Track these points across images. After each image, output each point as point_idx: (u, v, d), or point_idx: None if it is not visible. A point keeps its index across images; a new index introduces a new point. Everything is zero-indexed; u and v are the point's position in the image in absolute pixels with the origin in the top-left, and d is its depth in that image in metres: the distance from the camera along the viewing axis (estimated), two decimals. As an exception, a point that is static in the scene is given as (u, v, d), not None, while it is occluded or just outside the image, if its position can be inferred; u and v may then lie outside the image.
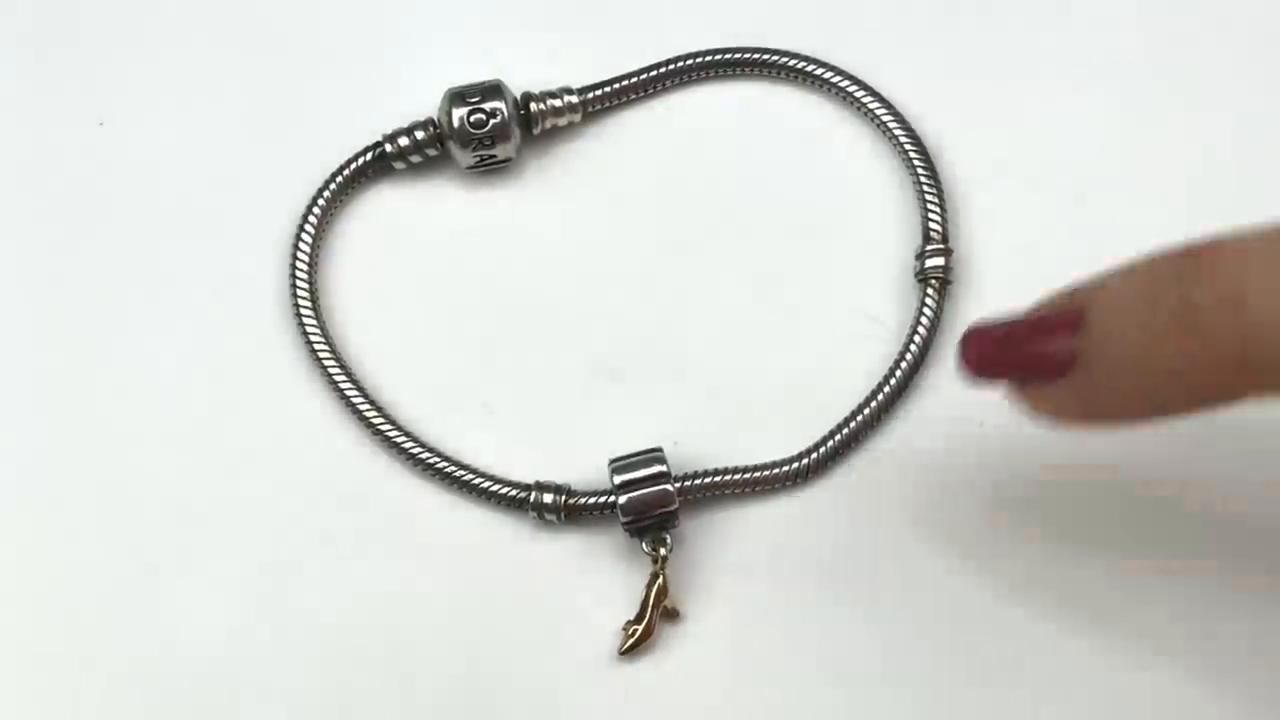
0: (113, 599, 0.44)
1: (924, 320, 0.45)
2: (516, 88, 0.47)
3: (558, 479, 0.44)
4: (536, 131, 0.47)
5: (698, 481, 0.44)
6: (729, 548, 0.44)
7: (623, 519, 0.43)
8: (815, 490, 0.45)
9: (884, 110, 0.47)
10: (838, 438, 0.45)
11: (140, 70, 0.49)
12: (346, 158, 0.47)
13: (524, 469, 0.45)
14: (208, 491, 0.45)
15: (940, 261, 0.46)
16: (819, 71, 0.48)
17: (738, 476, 0.44)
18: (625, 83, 0.48)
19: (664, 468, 0.43)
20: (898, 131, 0.47)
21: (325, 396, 0.46)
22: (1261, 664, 0.43)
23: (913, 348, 0.45)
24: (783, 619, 0.43)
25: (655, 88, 0.48)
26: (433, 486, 0.45)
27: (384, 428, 0.45)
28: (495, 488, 0.44)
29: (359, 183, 0.47)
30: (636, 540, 0.44)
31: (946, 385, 0.45)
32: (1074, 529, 0.44)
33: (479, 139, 0.46)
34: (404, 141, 0.47)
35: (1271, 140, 0.47)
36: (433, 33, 0.49)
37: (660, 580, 0.43)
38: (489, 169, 0.47)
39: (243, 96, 0.49)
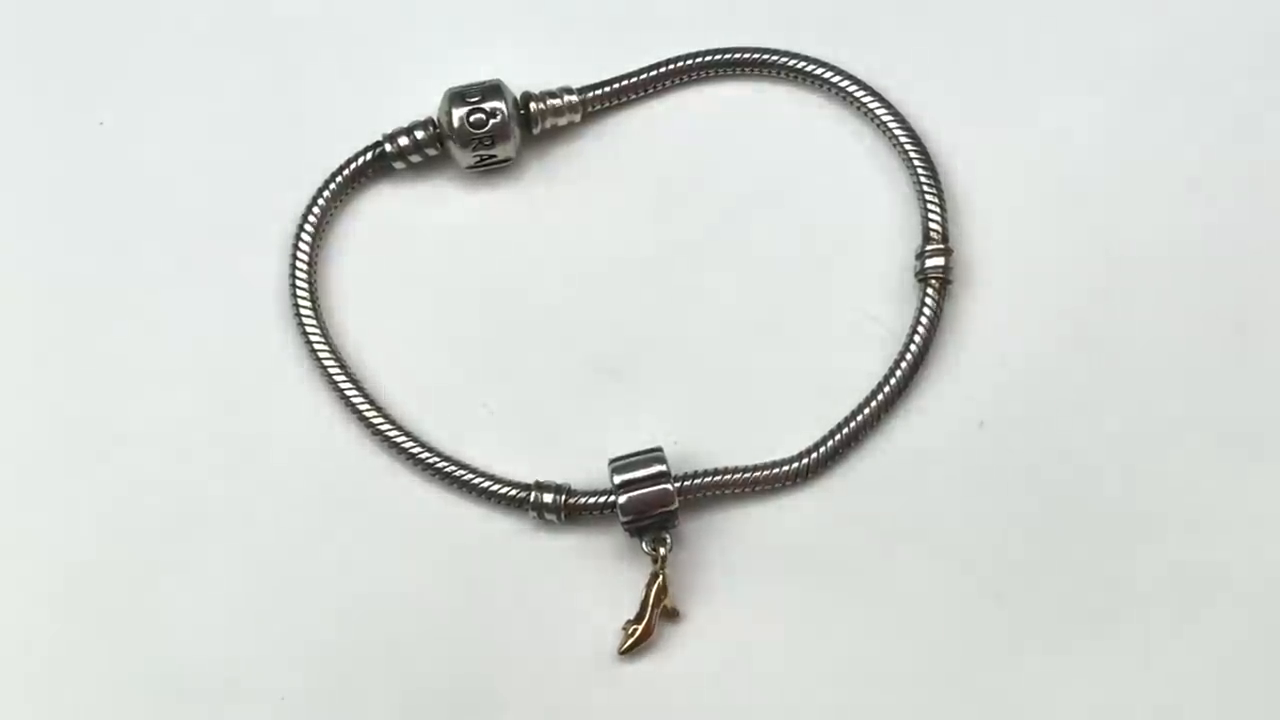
0: (112, 598, 0.44)
1: (924, 320, 0.45)
2: (516, 88, 0.47)
3: (558, 479, 0.44)
4: (536, 131, 0.47)
5: (698, 481, 0.44)
6: (729, 548, 0.44)
7: (622, 519, 0.43)
8: (815, 490, 0.45)
9: (884, 110, 0.47)
10: (838, 438, 0.45)
11: (140, 70, 0.49)
12: (346, 158, 0.47)
13: (524, 469, 0.45)
14: (207, 491, 0.45)
15: (940, 261, 0.46)
16: (819, 71, 0.48)
17: (738, 476, 0.44)
18: (625, 83, 0.48)
19: (664, 467, 0.43)
20: (898, 131, 0.47)
21: (325, 396, 0.46)
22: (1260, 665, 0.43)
23: (913, 348, 0.45)
24: (783, 619, 0.43)
25: (655, 88, 0.48)
26: (433, 486, 0.45)
27: (384, 428, 0.45)
28: (495, 487, 0.44)
29: (359, 183, 0.47)
30: (636, 540, 0.44)
31: (946, 385, 0.45)
32: (1074, 529, 0.44)
33: (479, 139, 0.46)
34: (404, 141, 0.47)
35: (1272, 140, 0.47)
36: (433, 33, 0.49)
37: (660, 580, 0.43)
38: (489, 169, 0.47)
39: (243, 96, 0.49)
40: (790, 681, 0.43)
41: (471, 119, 0.46)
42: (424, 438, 0.45)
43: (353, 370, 0.45)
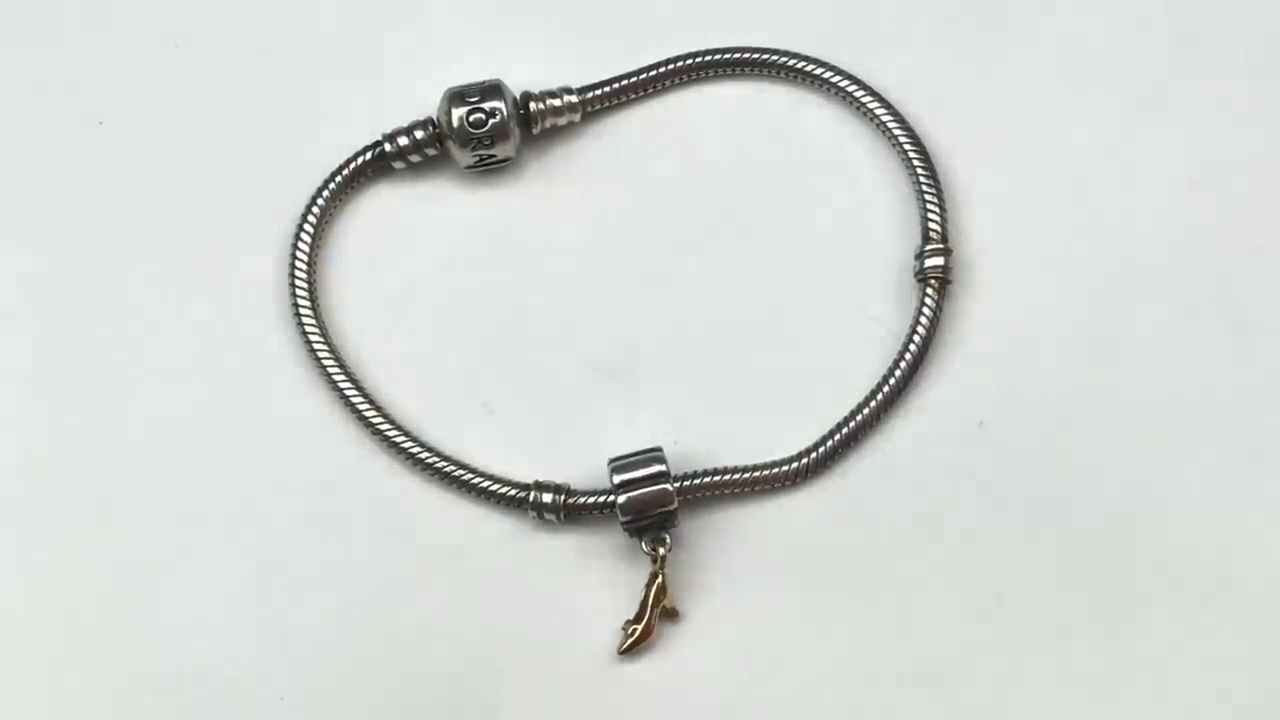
0: (112, 598, 0.44)
1: (924, 320, 0.45)
2: (516, 87, 0.47)
3: (557, 478, 0.44)
4: (536, 131, 0.47)
5: (697, 481, 0.44)
6: (729, 548, 0.44)
7: (622, 518, 0.43)
8: (815, 490, 0.45)
9: (884, 110, 0.47)
10: (838, 438, 0.45)
11: (140, 70, 0.49)
12: (346, 157, 0.47)
13: (524, 469, 0.45)
14: (207, 491, 0.45)
15: (940, 261, 0.46)
16: (819, 71, 0.48)
17: (737, 476, 0.44)
18: (625, 83, 0.48)
19: (663, 467, 0.43)
20: (897, 131, 0.47)
21: (325, 396, 0.45)
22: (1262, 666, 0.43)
23: (912, 348, 0.45)
24: (783, 619, 0.43)
25: (655, 88, 0.48)
26: (433, 486, 0.45)
27: (384, 428, 0.45)
28: (495, 487, 0.44)
29: (358, 182, 0.47)
30: (636, 540, 0.44)
31: (946, 385, 0.45)
32: (1074, 529, 0.44)
33: (478, 138, 0.46)
34: (403, 141, 0.47)
35: (1271, 140, 0.47)
36: (433, 33, 0.49)
37: (660, 580, 0.43)
38: (488, 169, 0.47)
39: (242, 96, 0.49)
40: (790, 681, 0.43)
41: (471, 119, 0.46)
42: (424, 438, 0.45)
43: (352, 370, 0.45)
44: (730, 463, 0.44)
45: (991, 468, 0.44)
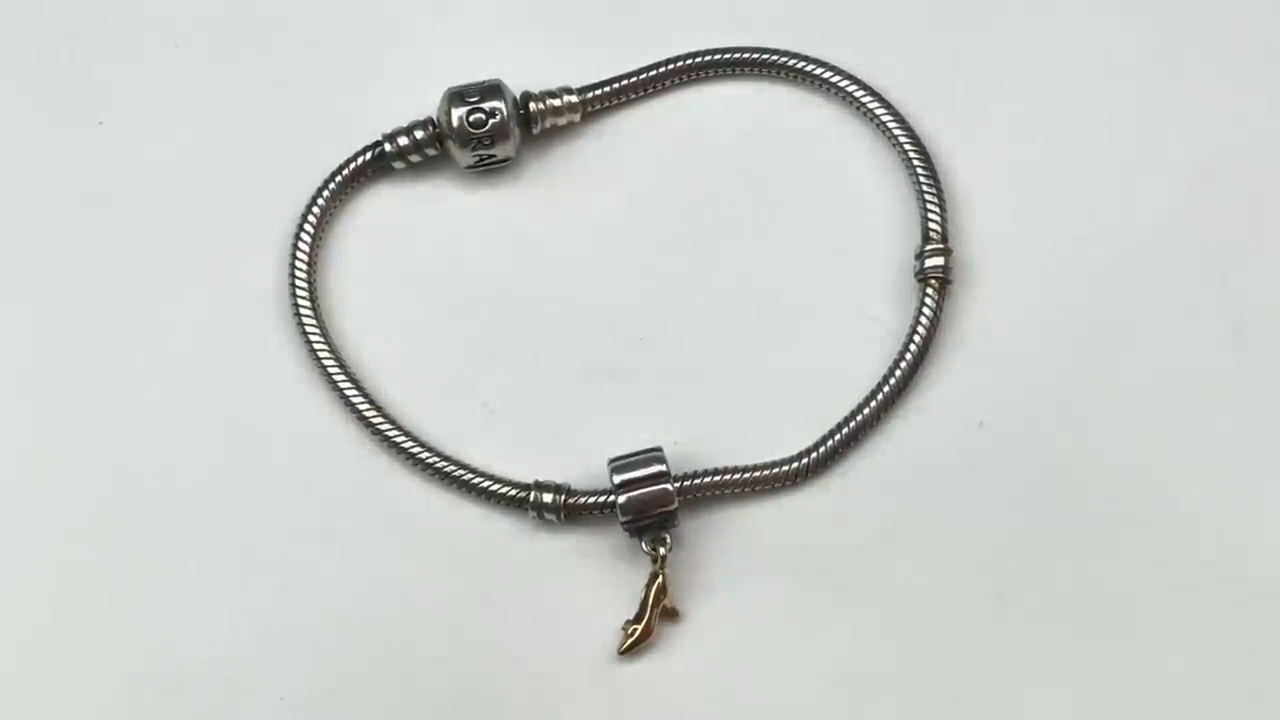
0: (112, 598, 0.44)
1: (924, 320, 0.45)
2: (516, 87, 0.47)
3: (557, 479, 0.44)
4: (536, 131, 0.47)
5: (697, 481, 0.44)
6: (729, 548, 0.44)
7: (622, 518, 0.43)
8: (815, 490, 0.45)
9: (884, 110, 0.47)
10: (838, 438, 0.45)
11: (140, 70, 0.49)
12: (346, 158, 0.47)
13: (524, 469, 0.45)
14: (207, 491, 0.45)
15: (940, 261, 0.46)
16: (819, 71, 0.48)
17: (737, 476, 0.44)
18: (625, 83, 0.48)
19: (663, 467, 0.43)
20: (897, 131, 0.47)
21: (325, 396, 0.45)
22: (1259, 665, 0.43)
23: (913, 348, 0.45)
24: (783, 619, 0.43)
25: (655, 88, 0.48)
26: (433, 486, 0.45)
27: (384, 428, 0.45)
28: (495, 487, 0.44)
29: (358, 182, 0.47)
30: (636, 540, 0.44)
31: (946, 385, 0.45)
32: (1074, 529, 0.44)
33: (478, 138, 0.46)
34: (403, 141, 0.47)
35: (1271, 140, 0.47)
36: (433, 33, 0.49)
37: (660, 580, 0.43)
38: (488, 169, 0.47)
39: (242, 96, 0.49)
40: (790, 681, 0.43)
41: (471, 119, 0.46)
42: (424, 438, 0.45)
43: (352, 370, 0.45)
44: (730, 463, 0.44)
45: (991, 468, 0.44)
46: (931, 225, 0.46)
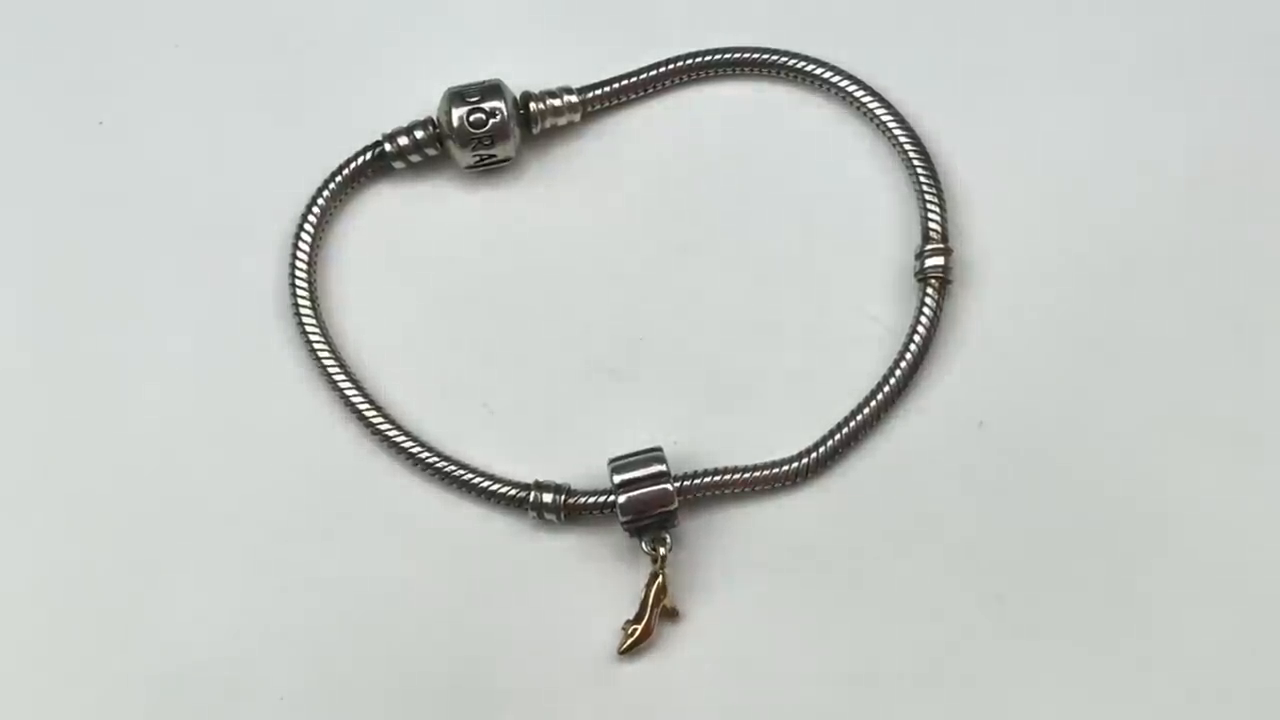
0: (111, 598, 0.44)
1: (924, 320, 0.45)
2: (516, 87, 0.47)
3: (558, 478, 0.44)
4: (536, 131, 0.47)
5: (697, 481, 0.44)
6: (729, 548, 0.44)
7: (622, 518, 0.43)
8: (815, 490, 0.45)
9: (884, 110, 0.47)
10: (838, 437, 0.45)
11: (140, 70, 0.49)
12: (346, 157, 0.47)
13: (524, 469, 0.45)
14: (207, 490, 0.45)
15: (940, 261, 0.46)
16: (819, 71, 0.48)
17: (738, 476, 0.44)
18: (625, 83, 0.48)
19: (663, 467, 0.43)
20: (897, 131, 0.47)
21: (325, 396, 0.45)
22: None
23: (913, 348, 0.45)
24: (783, 619, 0.43)
25: (655, 88, 0.48)
26: (433, 486, 0.45)
27: (384, 428, 0.45)
28: (495, 487, 0.44)
29: (358, 182, 0.47)
30: (636, 540, 0.44)
31: (946, 385, 0.45)
32: (1074, 529, 0.44)
33: (478, 138, 0.46)
34: (403, 141, 0.47)
35: (1271, 140, 0.47)
36: (433, 33, 0.49)
37: (660, 580, 0.43)
38: (488, 169, 0.47)
39: (242, 96, 0.49)
40: (790, 681, 0.43)
41: (471, 119, 0.46)
42: (424, 438, 0.45)
43: (352, 370, 0.45)
44: (730, 463, 0.44)
45: (991, 468, 0.44)
46: (931, 225, 0.46)
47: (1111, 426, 0.45)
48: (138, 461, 0.45)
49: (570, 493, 0.44)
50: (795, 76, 0.48)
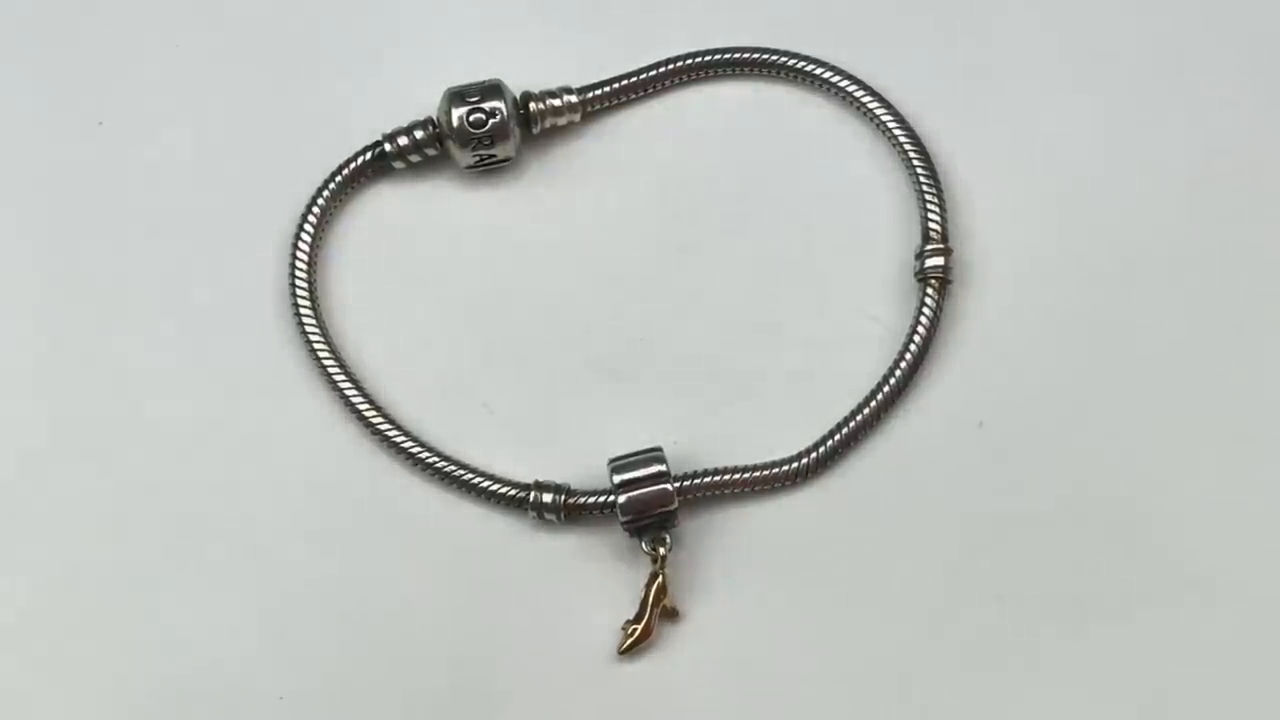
0: (112, 598, 0.44)
1: (924, 320, 0.45)
2: (516, 87, 0.47)
3: (557, 479, 0.44)
4: (536, 131, 0.47)
5: (697, 481, 0.44)
6: (729, 547, 0.44)
7: (622, 518, 0.43)
8: (815, 490, 0.45)
9: (884, 110, 0.47)
10: (838, 437, 0.45)
11: (140, 70, 0.49)
12: (346, 158, 0.47)
13: (524, 469, 0.45)
14: (207, 491, 0.45)
15: (940, 261, 0.46)
16: (819, 71, 0.48)
17: (737, 476, 0.44)
18: (625, 83, 0.48)
19: (663, 467, 0.43)
20: (897, 131, 0.47)
21: (325, 396, 0.45)
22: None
23: (912, 348, 0.45)
24: (783, 619, 0.43)
25: (655, 88, 0.48)
26: (433, 486, 0.45)
27: (384, 428, 0.45)
28: (495, 487, 0.44)
29: (358, 182, 0.47)
30: (636, 540, 0.44)
31: (946, 385, 0.45)
32: (1074, 529, 0.44)
33: (478, 138, 0.46)
34: (403, 141, 0.47)
35: (1271, 140, 0.47)
36: (433, 33, 0.49)
37: (660, 580, 0.43)
38: (488, 169, 0.47)
39: (242, 96, 0.49)
40: (790, 681, 0.43)
41: (471, 119, 0.46)
42: (424, 438, 0.45)
43: (352, 370, 0.45)
44: (730, 463, 0.44)
45: (991, 468, 0.44)
46: (931, 225, 0.46)
47: (1111, 426, 0.45)
48: (137, 462, 0.45)
49: (570, 493, 0.44)
50: (795, 76, 0.48)
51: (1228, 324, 0.46)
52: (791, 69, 0.48)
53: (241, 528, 0.44)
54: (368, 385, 0.45)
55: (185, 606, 0.44)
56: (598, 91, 0.48)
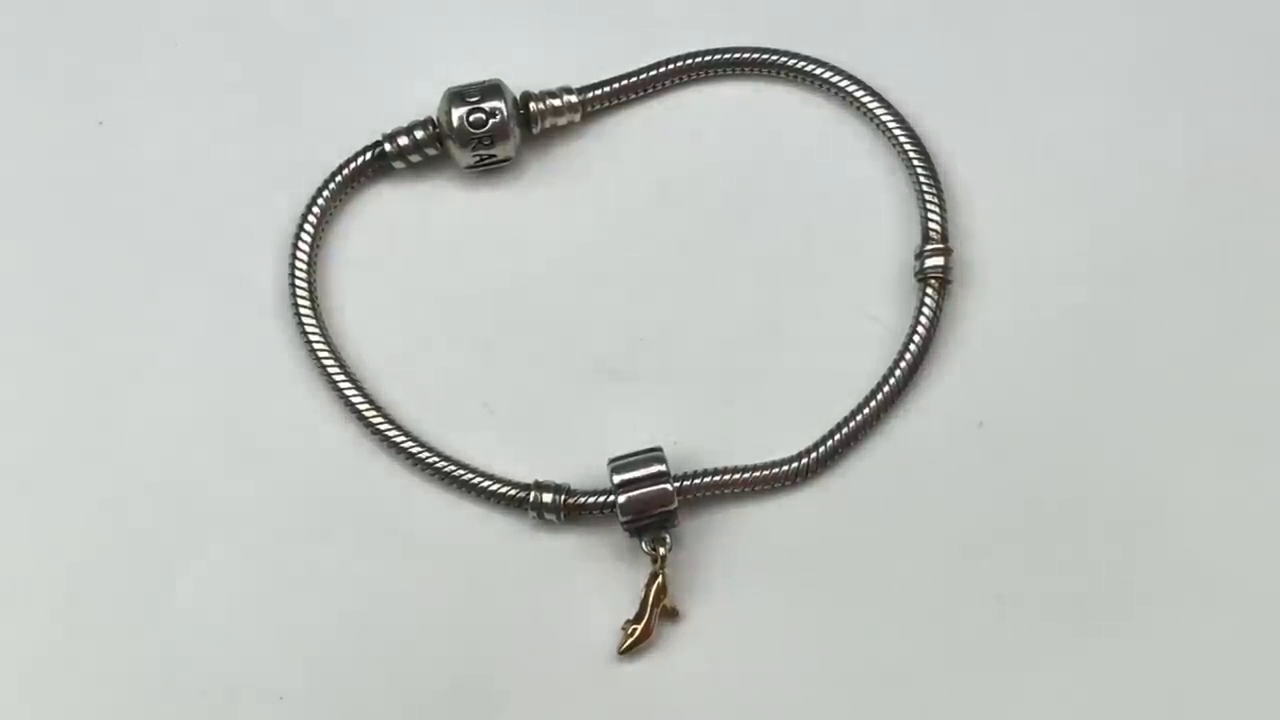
0: (112, 598, 0.44)
1: (924, 320, 0.45)
2: (516, 87, 0.47)
3: (557, 478, 0.44)
4: (536, 131, 0.47)
5: (697, 481, 0.44)
6: (729, 548, 0.44)
7: (622, 518, 0.43)
8: (815, 490, 0.45)
9: (884, 110, 0.47)
10: (838, 437, 0.45)
11: (140, 70, 0.49)
12: (346, 158, 0.47)
13: (524, 469, 0.45)
14: (207, 491, 0.45)
15: (940, 261, 0.46)
16: (819, 71, 0.48)
17: (738, 476, 0.44)
18: (625, 82, 0.48)
19: (663, 467, 0.43)
20: (897, 131, 0.47)
21: (325, 396, 0.45)
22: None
23: (912, 348, 0.45)
24: (783, 619, 0.43)
25: (655, 88, 0.48)
26: (432, 486, 0.45)
27: (384, 428, 0.45)
28: (495, 487, 0.44)
29: (358, 182, 0.47)
30: (636, 540, 0.44)
31: (946, 385, 0.45)
32: (1074, 528, 0.44)
33: (478, 138, 0.46)
34: (403, 141, 0.47)
35: (1271, 140, 0.47)
36: (433, 33, 0.49)
37: (660, 580, 0.43)
38: (488, 169, 0.47)
39: (242, 96, 0.49)
40: (790, 681, 0.43)
41: (471, 119, 0.46)
42: (424, 438, 0.45)
43: (352, 370, 0.45)
44: (730, 463, 0.44)
45: (991, 468, 0.44)
46: (931, 225, 0.46)
47: (1111, 426, 0.45)
48: (137, 461, 0.45)
49: (570, 493, 0.44)
50: (795, 76, 0.48)
51: (1228, 324, 0.46)
52: (791, 69, 0.48)
53: (241, 527, 0.44)
54: (368, 385, 0.45)
55: (185, 606, 0.44)
56: (598, 91, 0.48)
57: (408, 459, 0.45)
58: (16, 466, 0.45)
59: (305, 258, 0.46)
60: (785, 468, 0.44)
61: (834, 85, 0.48)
